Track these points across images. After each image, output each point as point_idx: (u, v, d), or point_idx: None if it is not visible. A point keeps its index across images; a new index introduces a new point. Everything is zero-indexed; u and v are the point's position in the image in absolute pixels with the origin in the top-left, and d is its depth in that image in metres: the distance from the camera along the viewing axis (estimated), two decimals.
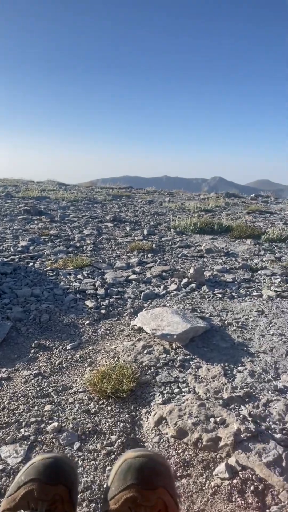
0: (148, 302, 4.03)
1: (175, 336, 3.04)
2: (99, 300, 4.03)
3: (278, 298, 4.18)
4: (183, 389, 2.58)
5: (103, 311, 3.80)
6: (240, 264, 5.36)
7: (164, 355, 2.96)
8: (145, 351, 3.02)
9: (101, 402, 2.49)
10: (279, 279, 4.72)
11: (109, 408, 2.44)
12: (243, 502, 1.78)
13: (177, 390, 2.58)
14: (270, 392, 2.53)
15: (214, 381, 2.66)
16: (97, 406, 2.45)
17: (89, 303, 3.92)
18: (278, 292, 4.31)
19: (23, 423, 2.29)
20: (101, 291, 4.17)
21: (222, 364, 2.85)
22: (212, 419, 2.26)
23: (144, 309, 3.83)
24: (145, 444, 2.17)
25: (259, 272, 5.12)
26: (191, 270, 4.67)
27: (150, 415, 2.37)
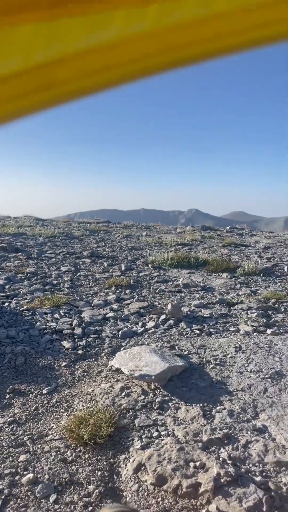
0: (126, 341, 4.01)
1: (153, 377, 3.01)
2: (76, 340, 3.97)
3: (255, 333, 4.22)
4: (162, 433, 2.54)
5: (80, 351, 3.74)
6: (217, 299, 5.42)
7: (143, 397, 2.93)
8: (123, 393, 2.97)
9: (78, 449, 2.42)
10: (255, 314, 4.78)
11: (86, 455, 2.38)
12: None
13: (156, 433, 2.54)
14: (249, 433, 2.52)
15: (193, 422, 2.64)
16: (74, 454, 2.39)
17: (66, 344, 3.87)
18: (254, 327, 4.35)
19: None
20: (78, 331, 4.13)
21: (201, 405, 2.83)
22: (191, 464, 2.23)
23: (122, 348, 3.80)
24: (124, 493, 2.11)
25: (235, 306, 5.18)
26: (169, 306, 4.69)
27: (129, 461, 2.32)
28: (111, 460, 2.35)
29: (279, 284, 6.46)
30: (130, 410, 2.78)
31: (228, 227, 15.84)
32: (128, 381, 3.15)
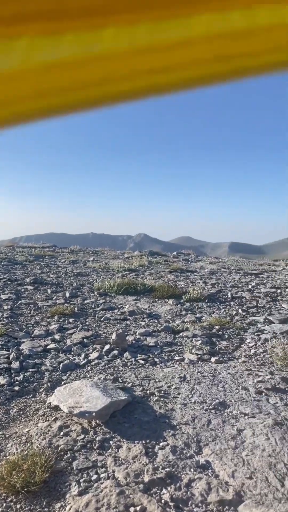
0: (67, 374, 3.82)
1: (94, 414, 2.86)
2: (13, 375, 3.73)
3: (199, 362, 4.19)
4: (102, 475, 2.39)
5: (16, 387, 3.51)
6: (163, 326, 5.37)
7: (83, 436, 2.76)
8: (62, 433, 2.79)
9: (9, 499, 2.21)
10: (200, 341, 4.78)
11: (18, 506, 2.17)
12: None
13: (95, 476, 2.38)
14: (192, 470, 2.43)
15: (135, 462, 2.51)
16: (4, 505, 2.17)
17: (1, 380, 3.61)
18: (199, 355, 4.33)
19: None
20: (15, 365, 3.88)
21: (143, 441, 2.71)
22: (132, 509, 2.10)
23: (62, 383, 3.61)
24: None
25: (181, 334, 5.16)
26: (113, 336, 4.57)
27: (65, 510, 2.14)
28: (46, 509, 2.16)
29: (223, 310, 6.56)
30: (68, 452, 2.61)
31: (175, 252, 16.09)
32: (67, 419, 2.97)
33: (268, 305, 6.91)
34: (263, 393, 3.41)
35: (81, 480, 2.35)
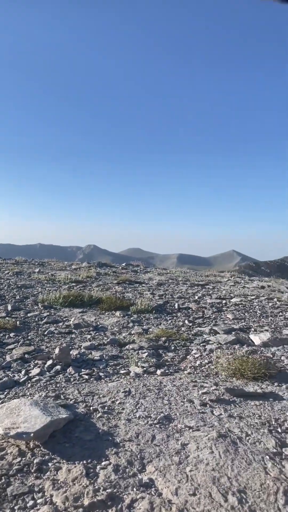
0: (5, 393, 3.60)
1: (32, 434, 2.69)
2: None
3: (145, 375, 4.12)
4: (39, 501, 2.23)
5: None
6: (109, 339, 5.26)
7: (19, 459, 2.58)
8: None
9: None
10: (146, 353, 4.72)
11: None
12: None
13: (31, 502, 2.22)
14: (135, 489, 2.34)
15: (74, 484, 2.37)
16: None
17: None
18: (145, 368, 4.27)
19: None
20: None
21: (84, 462, 2.58)
22: None
23: (0, 402, 3.39)
24: None
25: (127, 346, 5.07)
26: (57, 350, 4.40)
27: None
28: None
29: (170, 321, 6.56)
30: (3, 477, 2.42)
31: (124, 264, 16.04)
32: (3, 441, 2.78)
33: (213, 316, 7.01)
34: (207, 405, 3.40)
35: (16, 508, 2.19)
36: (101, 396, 3.57)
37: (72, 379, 3.95)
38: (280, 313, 7.45)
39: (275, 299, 8.86)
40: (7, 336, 5.19)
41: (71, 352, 4.55)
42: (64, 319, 6.35)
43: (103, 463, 2.57)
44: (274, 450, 2.70)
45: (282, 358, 4.77)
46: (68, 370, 4.14)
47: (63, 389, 3.72)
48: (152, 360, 4.54)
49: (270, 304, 8.34)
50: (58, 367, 4.18)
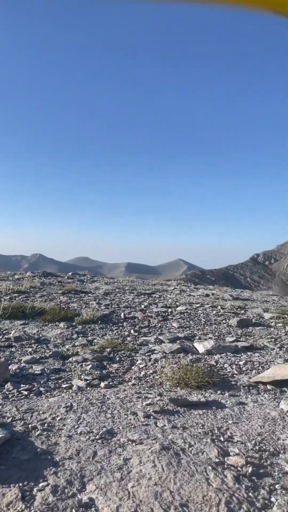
0: None
1: None
2: None
3: (88, 388, 4.00)
4: None
5: None
6: (51, 352, 5.08)
7: None
8: None
9: None
10: (90, 366, 4.60)
11: None
12: None
13: None
14: (73, 511, 2.22)
15: (9, 509, 2.21)
16: None
17: None
18: (88, 381, 4.15)
19: None
20: None
21: (20, 484, 2.42)
22: None
23: None
24: None
25: (70, 359, 4.92)
26: None
27: None
28: None
29: (115, 331, 6.48)
30: None
31: (70, 273, 15.75)
32: None
33: (159, 325, 7.02)
34: (151, 417, 3.34)
35: None
36: (40, 412, 3.40)
37: (10, 396, 3.74)
38: (224, 321, 7.62)
39: (219, 307, 9.06)
40: None
41: (10, 367, 4.33)
42: (4, 331, 6.07)
43: (40, 485, 2.43)
44: (217, 460, 2.70)
45: (225, 365, 4.85)
46: (6, 386, 3.92)
47: (0, 406, 3.50)
48: (96, 372, 4.42)
49: (214, 312, 8.51)
50: None
